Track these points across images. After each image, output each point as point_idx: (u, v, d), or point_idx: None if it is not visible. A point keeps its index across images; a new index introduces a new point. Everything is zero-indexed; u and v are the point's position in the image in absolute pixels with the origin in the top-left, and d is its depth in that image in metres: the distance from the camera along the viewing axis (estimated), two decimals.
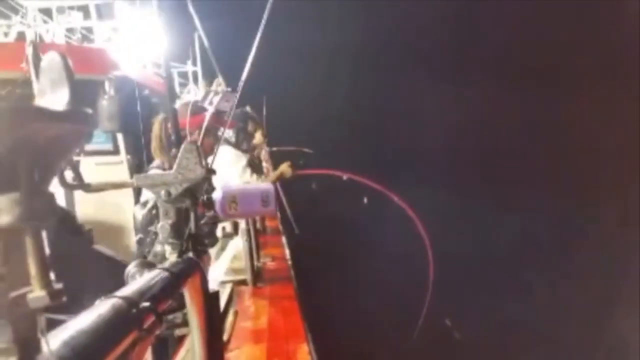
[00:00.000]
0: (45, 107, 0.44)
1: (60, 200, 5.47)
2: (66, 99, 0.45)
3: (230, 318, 2.36)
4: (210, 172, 1.02)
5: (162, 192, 0.99)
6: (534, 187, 13.50)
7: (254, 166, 4.36)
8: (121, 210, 5.21)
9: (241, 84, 1.50)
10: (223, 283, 3.09)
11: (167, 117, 3.38)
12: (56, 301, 0.43)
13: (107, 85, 5.72)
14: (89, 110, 0.47)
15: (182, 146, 1.00)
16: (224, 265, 3.52)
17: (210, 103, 2.92)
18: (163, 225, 0.98)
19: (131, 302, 0.67)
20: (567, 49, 16.36)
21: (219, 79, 4.92)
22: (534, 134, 15.96)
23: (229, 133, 4.44)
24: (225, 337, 2.14)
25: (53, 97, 0.46)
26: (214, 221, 3.34)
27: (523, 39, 17.42)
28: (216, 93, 2.92)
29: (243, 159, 4.10)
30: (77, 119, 0.46)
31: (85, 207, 5.97)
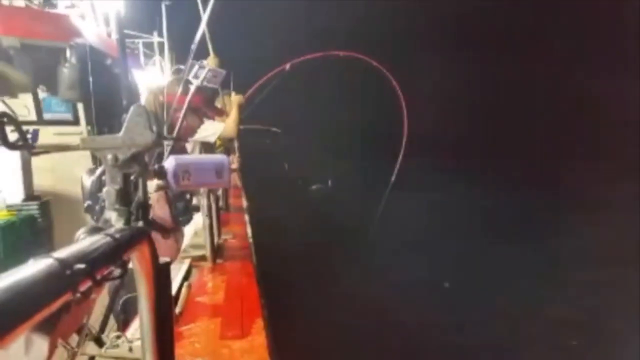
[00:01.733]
0: None
1: (17, 171, 5.31)
2: None
3: (183, 291, 2.33)
4: (161, 137, 0.99)
5: (109, 157, 0.96)
6: None
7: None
8: (79, 183, 5.07)
9: (193, 47, 1.46)
10: (182, 258, 3.06)
11: (160, 89, 3.27)
12: None
13: (68, 52, 5.53)
14: None
15: (131, 108, 0.96)
16: (184, 240, 3.48)
17: (196, 77, 2.78)
18: (109, 190, 0.95)
19: (65, 263, 0.65)
20: None
21: (212, 55, 4.79)
22: None
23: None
24: (177, 310, 2.12)
25: None
26: (189, 198, 3.29)
27: None
28: (201, 67, 2.79)
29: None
30: None
31: (43, 179, 5.80)
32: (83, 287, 0.68)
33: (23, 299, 0.53)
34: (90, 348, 1.56)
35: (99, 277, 0.74)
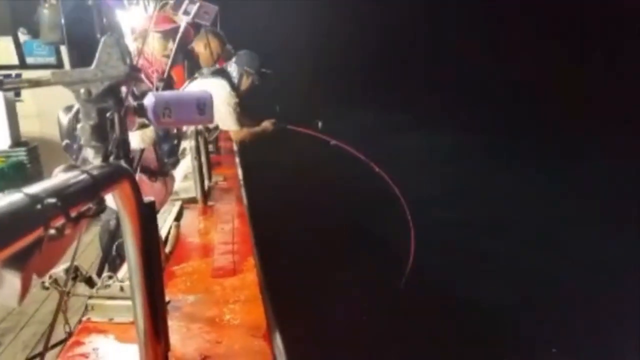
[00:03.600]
0: None
1: (2, 117, 5.22)
2: None
3: (173, 232, 2.34)
4: (135, 70, 0.95)
5: (82, 91, 0.92)
6: None
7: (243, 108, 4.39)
8: None
9: None
10: (173, 201, 3.06)
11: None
12: None
13: None
14: None
15: (102, 40, 0.92)
16: (175, 184, 3.47)
17: (186, 12, 2.66)
18: (83, 127, 0.92)
19: (35, 198, 0.63)
20: None
21: None
22: None
23: (233, 72, 4.29)
24: (168, 250, 2.13)
25: None
26: (177, 139, 3.26)
27: None
28: (192, 1, 2.68)
29: (234, 99, 4.13)
30: None
31: (31, 125, 5.73)
32: (56, 224, 0.67)
33: None
34: (82, 289, 1.57)
35: (73, 214, 0.72)
